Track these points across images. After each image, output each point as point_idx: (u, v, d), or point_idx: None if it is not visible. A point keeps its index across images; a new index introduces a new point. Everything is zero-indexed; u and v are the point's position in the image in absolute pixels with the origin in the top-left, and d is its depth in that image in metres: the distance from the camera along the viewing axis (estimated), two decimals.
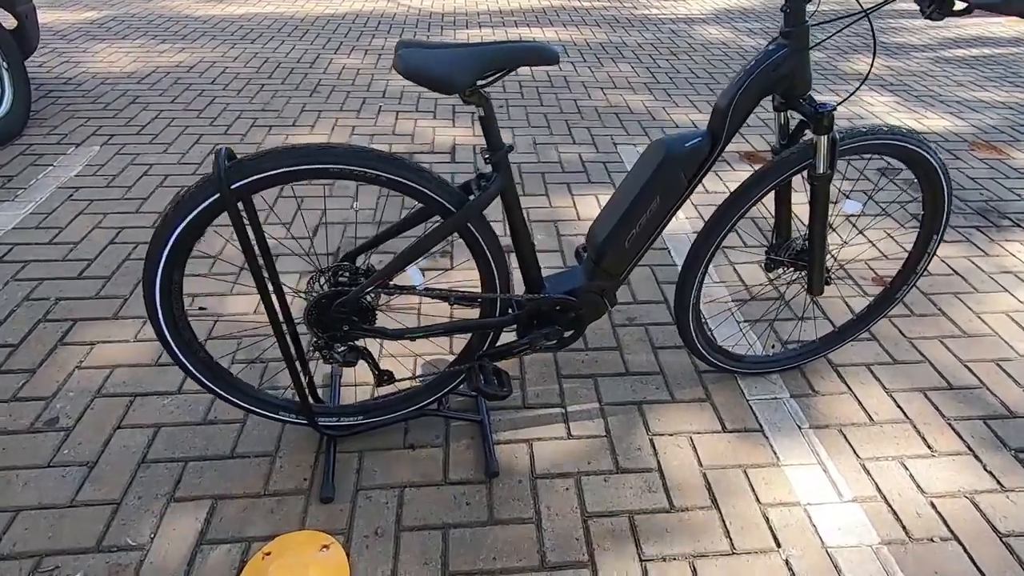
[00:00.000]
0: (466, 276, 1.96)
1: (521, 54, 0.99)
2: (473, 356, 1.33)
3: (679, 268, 2.06)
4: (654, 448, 1.45)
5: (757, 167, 2.72)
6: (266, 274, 1.08)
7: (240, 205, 1.01)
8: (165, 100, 3.18)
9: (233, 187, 0.97)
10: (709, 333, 1.76)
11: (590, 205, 2.41)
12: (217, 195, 0.98)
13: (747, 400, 1.59)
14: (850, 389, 1.63)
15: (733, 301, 1.91)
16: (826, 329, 1.80)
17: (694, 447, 1.46)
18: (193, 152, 2.69)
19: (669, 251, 2.15)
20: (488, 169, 1.13)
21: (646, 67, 3.86)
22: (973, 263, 2.14)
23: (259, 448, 1.41)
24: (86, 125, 2.89)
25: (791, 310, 1.88)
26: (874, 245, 2.21)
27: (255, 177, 0.98)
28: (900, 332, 1.82)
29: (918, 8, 1.03)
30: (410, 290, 1.21)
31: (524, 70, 3.77)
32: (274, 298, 1.10)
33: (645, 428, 1.50)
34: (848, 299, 1.94)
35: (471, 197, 1.12)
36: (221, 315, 1.79)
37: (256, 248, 1.07)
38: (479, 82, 1.01)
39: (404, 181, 1.05)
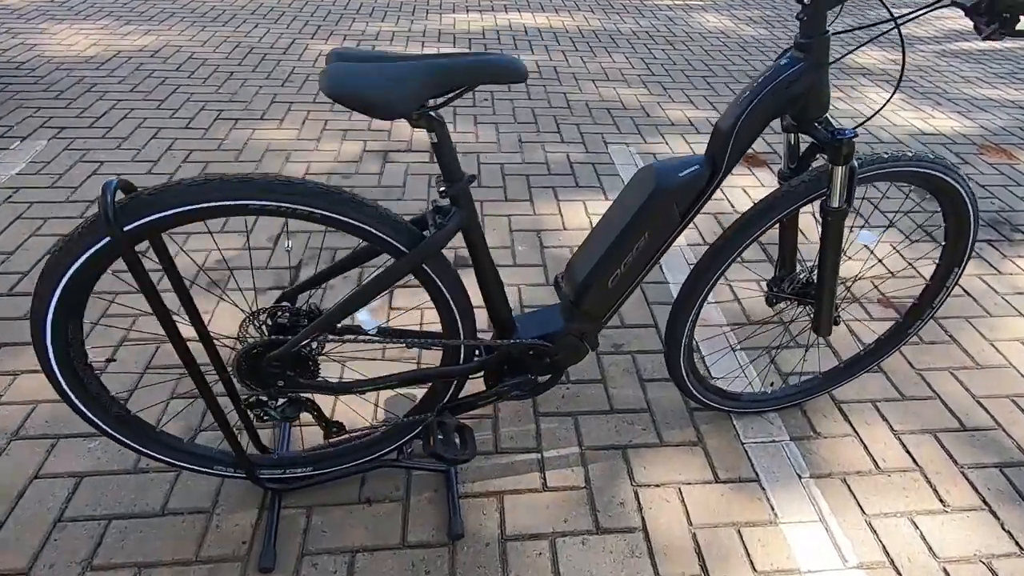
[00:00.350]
0: None
1: (481, 70, 0.82)
2: (434, 405, 1.17)
3: (671, 285, 1.90)
4: (639, 502, 1.30)
5: (756, 171, 2.55)
6: (180, 312, 0.91)
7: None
8: (124, 88, 2.95)
9: (127, 229, 0.80)
10: (704, 370, 1.60)
11: (577, 213, 2.23)
12: (108, 238, 0.81)
13: (742, 444, 1.44)
14: (855, 430, 1.49)
15: (729, 326, 1.76)
16: (830, 362, 1.65)
17: (683, 501, 1.31)
18: (149, 148, 2.49)
19: (661, 267, 1.99)
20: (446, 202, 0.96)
21: (641, 57, 3.66)
22: (985, 282, 1.99)
23: (194, 502, 1.25)
24: (35, 116, 2.67)
25: (796, 342, 1.73)
26: (893, 275, 2.05)
27: (154, 217, 0.81)
28: (908, 363, 1.68)
29: (973, 28, 0.86)
30: (359, 333, 1.05)
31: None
32: (193, 340, 0.93)
33: (629, 477, 1.35)
34: (853, 326, 1.79)
35: (426, 233, 0.95)
36: (164, 335, 1.61)
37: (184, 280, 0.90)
38: (431, 101, 0.84)
39: (342, 218, 0.88)
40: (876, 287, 1.94)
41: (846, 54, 0.95)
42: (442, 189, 0.92)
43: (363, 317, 1.01)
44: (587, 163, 2.56)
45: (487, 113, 2.93)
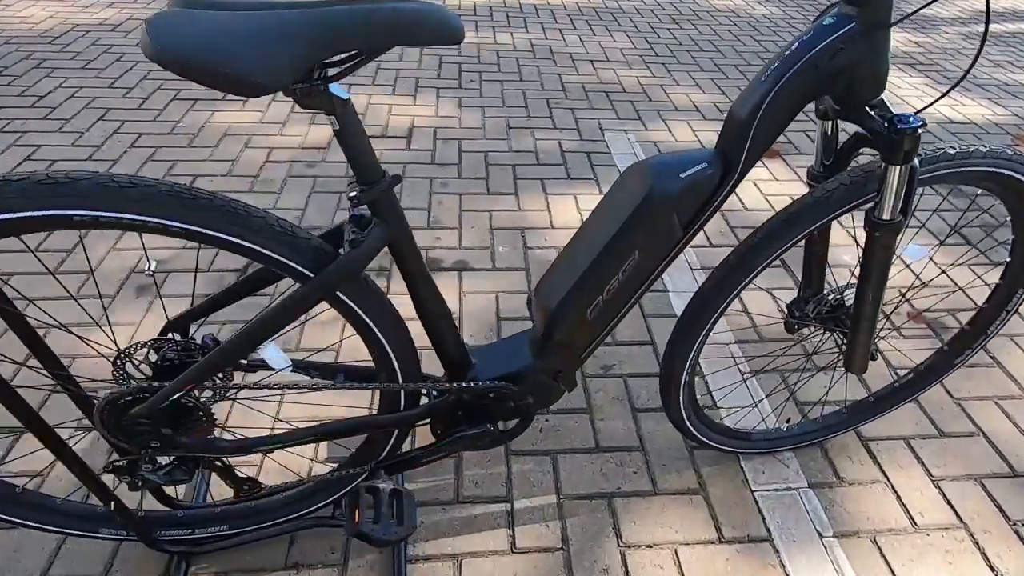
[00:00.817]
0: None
1: (391, 25, 0.57)
2: (370, 459, 0.93)
3: (671, 295, 1.67)
4: (626, 569, 1.07)
5: (768, 162, 2.30)
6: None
7: None
8: (75, 65, 2.70)
9: None
10: (708, 402, 1.37)
11: (567, 208, 1.99)
12: None
13: (752, 492, 1.21)
14: (885, 475, 1.25)
15: (738, 345, 1.52)
16: (857, 391, 1.41)
17: (680, 567, 1.08)
18: (93, 131, 2.24)
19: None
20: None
21: (644, 37, 3.38)
22: None
23: (81, 568, 1.02)
24: None
25: (814, 367, 1.49)
26: (924, 287, 1.81)
27: None
28: (946, 391, 1.44)
29: None
30: (263, 372, 0.82)
31: (504, 37, 3.29)
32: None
33: (616, 535, 1.12)
34: (881, 350, 1.55)
35: (341, 251, 0.71)
36: (72, 353, 1.38)
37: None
38: (328, 71, 0.60)
39: (213, 234, 0.64)
40: (907, 299, 1.70)
41: (917, 10, 0.70)
42: (352, 194, 0.68)
43: (271, 353, 0.78)
44: (581, 152, 2.30)
45: (473, 95, 2.67)
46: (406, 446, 1.23)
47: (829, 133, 0.84)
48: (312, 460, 1.21)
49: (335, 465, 1.01)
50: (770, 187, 2.18)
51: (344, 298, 0.73)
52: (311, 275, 0.69)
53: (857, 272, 0.89)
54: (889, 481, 1.25)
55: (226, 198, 0.66)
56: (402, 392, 0.86)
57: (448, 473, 1.21)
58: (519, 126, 2.46)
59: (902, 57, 3.31)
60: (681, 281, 1.73)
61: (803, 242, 0.98)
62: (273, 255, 0.67)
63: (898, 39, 3.55)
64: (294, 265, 0.68)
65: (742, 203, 2.08)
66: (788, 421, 1.26)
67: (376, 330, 0.77)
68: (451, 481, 1.19)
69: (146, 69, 2.71)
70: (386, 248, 0.75)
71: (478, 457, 1.24)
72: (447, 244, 1.81)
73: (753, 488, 1.22)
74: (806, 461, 1.27)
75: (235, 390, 0.78)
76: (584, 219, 1.93)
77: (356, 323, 0.77)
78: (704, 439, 1.16)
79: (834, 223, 2.00)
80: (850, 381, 1.45)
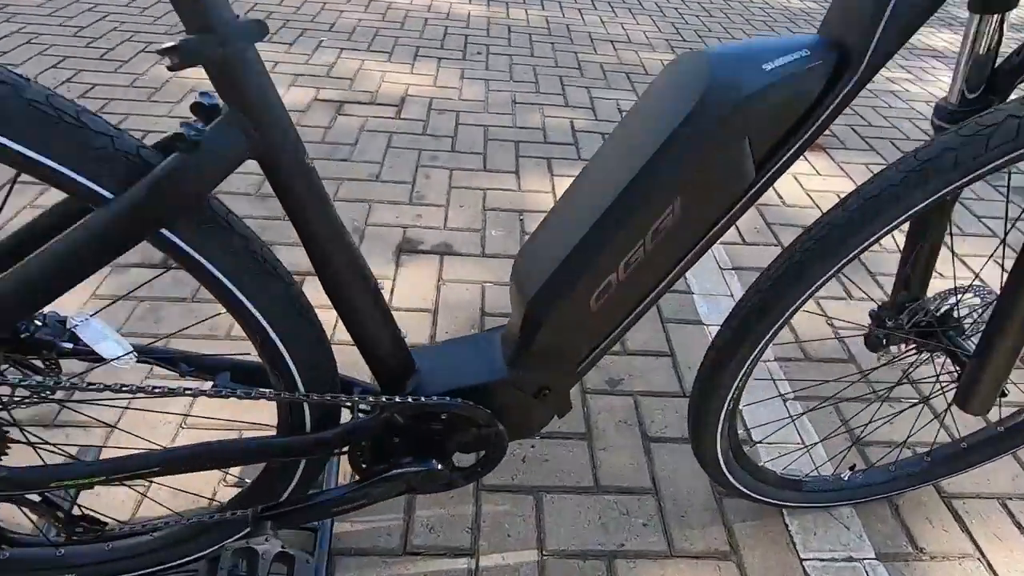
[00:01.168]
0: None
1: None
2: (267, 500, 0.64)
3: (696, 297, 1.36)
4: None
5: (815, 158, 1.99)
6: None
7: None
8: (41, 12, 2.43)
9: None
10: (746, 438, 1.06)
11: None
12: None
13: (801, 561, 0.90)
14: (978, 548, 0.94)
15: (780, 362, 1.22)
16: (941, 434, 1.10)
17: None
18: (43, 79, 1.96)
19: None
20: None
21: (670, 22, 3.10)
22: None
23: None
24: None
25: (882, 392, 1.18)
26: None
27: None
28: None
29: None
30: (93, 360, 0.52)
31: (518, 12, 3.00)
32: None
33: None
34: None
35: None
36: None
37: None
38: None
39: None
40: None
41: None
42: (169, 45, 0.39)
43: (93, 333, 0.48)
44: (594, 132, 2.01)
45: (478, 68, 2.38)
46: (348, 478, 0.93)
47: (984, 47, 0.54)
48: (219, 484, 0.91)
49: (224, 503, 0.71)
50: (812, 182, 1.87)
51: (180, 242, 0.43)
52: (110, 197, 0.40)
53: (979, 270, 0.59)
54: (984, 556, 0.94)
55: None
56: (306, 405, 0.57)
57: (396, 512, 0.91)
58: (526, 102, 2.17)
59: (928, 52, 3.01)
60: (708, 281, 1.43)
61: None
62: (41, 159, 0.37)
63: (947, 40, 3.24)
64: (80, 179, 0.39)
65: (780, 198, 1.77)
66: (852, 468, 0.95)
67: (244, 299, 0.47)
68: (399, 523, 0.89)
69: (118, 21, 2.44)
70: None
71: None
72: (429, 223, 1.52)
73: (802, 556, 0.91)
74: (872, 522, 0.96)
75: (46, 392, 0.49)
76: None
77: (212, 286, 0.47)
78: (742, 487, 0.86)
79: None
80: (931, 418, 1.14)
